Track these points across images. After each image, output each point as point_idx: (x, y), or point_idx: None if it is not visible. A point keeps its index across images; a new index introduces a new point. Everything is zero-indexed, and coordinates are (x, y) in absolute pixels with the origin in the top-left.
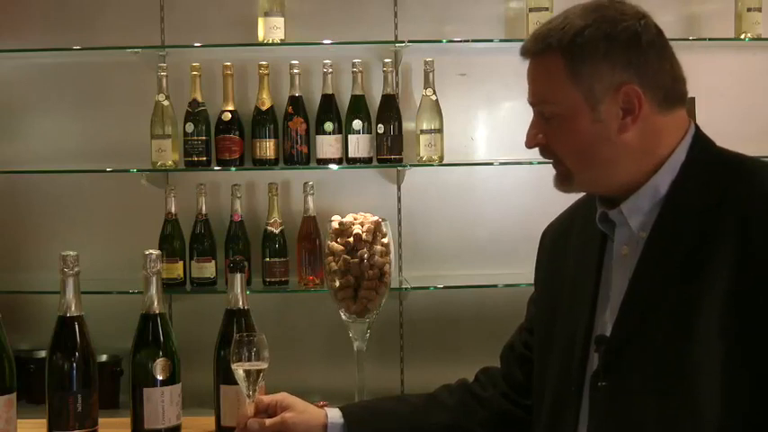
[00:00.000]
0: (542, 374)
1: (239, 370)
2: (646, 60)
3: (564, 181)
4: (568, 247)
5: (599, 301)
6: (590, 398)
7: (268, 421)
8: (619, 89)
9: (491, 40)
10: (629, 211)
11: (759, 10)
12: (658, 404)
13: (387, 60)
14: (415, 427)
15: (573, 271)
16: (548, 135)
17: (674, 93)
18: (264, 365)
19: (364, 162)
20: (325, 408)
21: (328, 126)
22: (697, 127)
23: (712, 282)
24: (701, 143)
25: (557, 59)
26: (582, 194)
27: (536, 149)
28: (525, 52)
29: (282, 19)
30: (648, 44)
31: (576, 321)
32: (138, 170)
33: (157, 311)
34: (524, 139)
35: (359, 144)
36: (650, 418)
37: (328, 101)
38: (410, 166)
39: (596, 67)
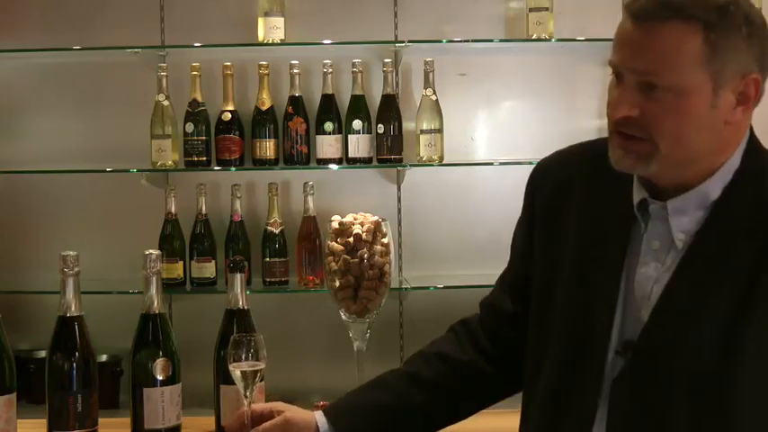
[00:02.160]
0: (540, 344)
1: (236, 371)
2: (766, 51)
3: (641, 161)
4: (571, 201)
5: (620, 293)
6: (610, 402)
7: (268, 423)
8: (745, 76)
9: (491, 40)
10: (674, 210)
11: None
12: (690, 418)
13: (387, 60)
14: (397, 419)
15: (582, 241)
16: (645, 109)
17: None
18: (262, 366)
19: (364, 162)
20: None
21: (328, 126)
22: (751, 130)
23: (757, 296)
24: (756, 149)
25: (694, 31)
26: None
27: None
28: (647, 15)
29: (282, 19)
30: None
31: (590, 312)
32: (138, 170)
33: (157, 311)
34: (609, 109)
35: (359, 144)
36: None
37: (328, 101)
38: (410, 166)
39: (735, 48)
